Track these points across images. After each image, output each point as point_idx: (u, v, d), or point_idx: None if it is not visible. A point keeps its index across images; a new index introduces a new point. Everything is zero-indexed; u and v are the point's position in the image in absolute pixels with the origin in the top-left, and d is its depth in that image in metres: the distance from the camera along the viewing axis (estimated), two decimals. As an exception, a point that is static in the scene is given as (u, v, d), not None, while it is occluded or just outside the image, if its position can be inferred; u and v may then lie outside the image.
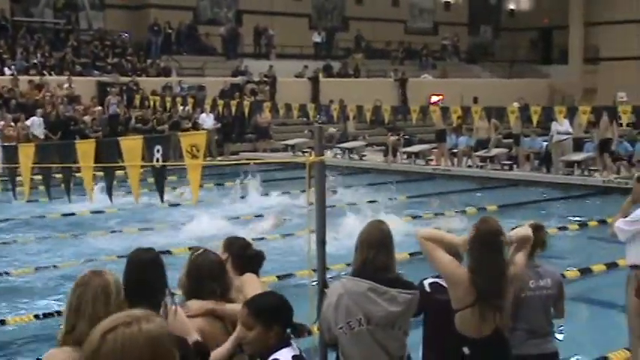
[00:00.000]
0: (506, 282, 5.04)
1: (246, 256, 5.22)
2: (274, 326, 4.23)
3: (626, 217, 7.40)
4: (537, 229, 5.81)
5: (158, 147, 5.91)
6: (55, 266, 12.71)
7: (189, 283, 4.84)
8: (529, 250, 5.36)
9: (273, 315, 4.26)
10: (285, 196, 20.11)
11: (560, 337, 6.47)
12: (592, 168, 23.07)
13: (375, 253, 4.84)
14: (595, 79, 44.56)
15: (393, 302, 4.76)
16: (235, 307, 4.76)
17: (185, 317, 4.50)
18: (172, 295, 4.55)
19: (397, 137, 27.35)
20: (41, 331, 9.37)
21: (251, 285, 4.94)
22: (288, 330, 4.35)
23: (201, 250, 4.96)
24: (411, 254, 12.82)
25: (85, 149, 6.64)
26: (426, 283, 5.49)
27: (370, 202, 19.69)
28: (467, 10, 48.79)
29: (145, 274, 4.42)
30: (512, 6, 51.13)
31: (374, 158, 28.03)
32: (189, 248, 5.03)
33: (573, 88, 42.00)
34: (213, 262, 4.87)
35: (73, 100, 28.80)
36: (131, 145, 6.12)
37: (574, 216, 17.89)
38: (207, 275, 4.80)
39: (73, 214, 16.81)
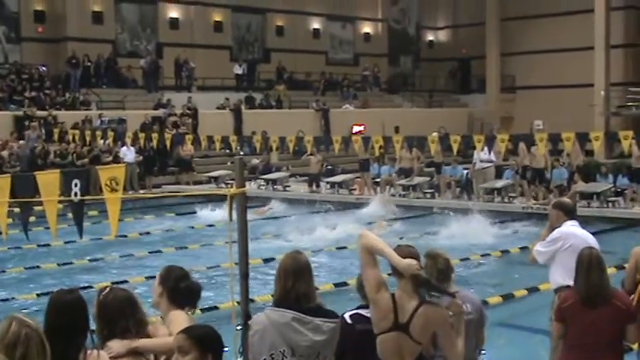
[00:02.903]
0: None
1: (180, 288, 5.14)
2: (209, 355, 4.18)
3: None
4: (432, 257, 5.81)
5: (76, 181, 5.79)
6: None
7: (101, 324, 4.73)
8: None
9: (209, 343, 4.23)
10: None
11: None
12: (511, 195, 23.50)
13: (293, 281, 4.83)
14: (512, 108, 45.65)
15: (318, 331, 4.75)
16: (158, 342, 4.69)
17: None
18: (93, 337, 4.46)
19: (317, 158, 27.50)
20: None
21: (179, 324, 4.85)
22: None
23: (108, 288, 4.87)
24: (335, 285, 12.88)
25: (0, 184, 6.46)
26: (347, 315, 5.47)
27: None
28: (386, 41, 49.44)
29: (66, 316, 4.32)
30: (430, 37, 52.04)
31: (298, 189, 28.07)
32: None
33: (491, 117, 42.83)
34: (123, 299, 4.77)
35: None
36: (48, 179, 5.98)
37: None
38: (118, 314, 4.71)
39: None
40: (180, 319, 4.96)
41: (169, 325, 4.88)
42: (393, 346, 4.98)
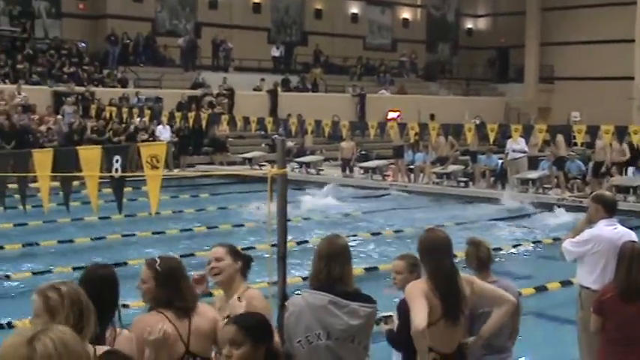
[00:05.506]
0: (462, 285, 5.14)
1: (249, 261, 5.22)
2: (261, 346, 4.14)
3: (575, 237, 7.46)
4: (475, 244, 5.84)
5: (117, 157, 5.83)
6: (7, 276, 12.50)
7: (161, 292, 4.73)
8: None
9: (261, 333, 4.20)
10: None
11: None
12: (546, 186, 23.30)
13: (328, 264, 4.85)
14: (550, 99, 45.24)
15: (354, 316, 4.75)
16: None
17: (133, 344, 4.42)
18: (120, 315, 4.47)
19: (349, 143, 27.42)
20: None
21: (262, 300, 4.91)
22: None
23: (159, 258, 4.85)
24: (366, 269, 12.88)
25: (42, 159, 6.53)
26: None
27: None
28: (425, 27, 49.18)
29: (95, 289, 4.30)
30: (469, 25, 51.68)
31: (331, 173, 28.05)
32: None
33: (528, 107, 42.51)
34: (179, 266, 4.85)
35: (28, 109, 28.42)
36: (90, 155, 6.03)
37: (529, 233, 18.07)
38: (178, 280, 4.76)
39: (25, 224, 16.50)
40: (262, 297, 5.03)
41: (252, 301, 4.88)
42: (443, 332, 5.05)
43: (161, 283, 4.73)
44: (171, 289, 4.71)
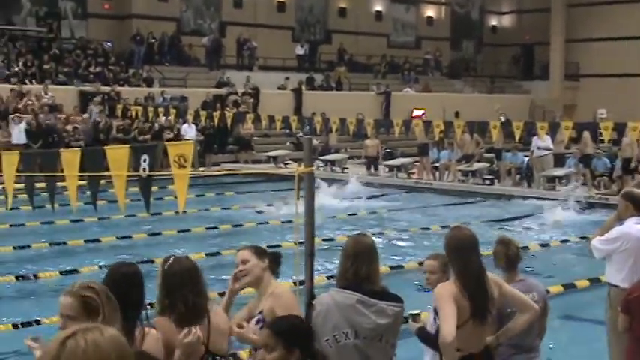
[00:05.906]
0: (489, 284, 5.13)
1: (277, 258, 5.21)
2: (295, 350, 4.14)
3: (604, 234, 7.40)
4: (504, 243, 5.84)
5: (145, 156, 5.86)
6: (35, 275, 12.59)
7: (164, 294, 4.66)
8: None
9: (295, 337, 4.19)
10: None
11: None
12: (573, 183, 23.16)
13: (355, 263, 4.85)
14: (575, 96, 44.92)
15: (382, 314, 4.75)
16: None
17: (160, 344, 4.40)
18: (147, 314, 4.44)
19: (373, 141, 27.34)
20: (20, 340, 9.22)
21: (291, 298, 4.91)
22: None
23: (172, 258, 4.80)
24: (391, 267, 12.87)
25: (70, 158, 6.57)
26: None
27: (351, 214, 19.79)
28: (449, 25, 49.01)
29: (120, 288, 4.26)
30: (494, 22, 51.44)
31: (356, 171, 28.01)
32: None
33: (554, 104, 42.26)
34: (189, 268, 4.73)
35: (54, 108, 28.63)
36: (117, 154, 6.06)
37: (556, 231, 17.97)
38: (183, 283, 4.63)
39: (52, 222, 16.62)
40: (289, 294, 5.01)
41: (278, 299, 4.88)
42: (472, 331, 5.04)
43: (163, 283, 4.69)
44: (168, 292, 4.63)
